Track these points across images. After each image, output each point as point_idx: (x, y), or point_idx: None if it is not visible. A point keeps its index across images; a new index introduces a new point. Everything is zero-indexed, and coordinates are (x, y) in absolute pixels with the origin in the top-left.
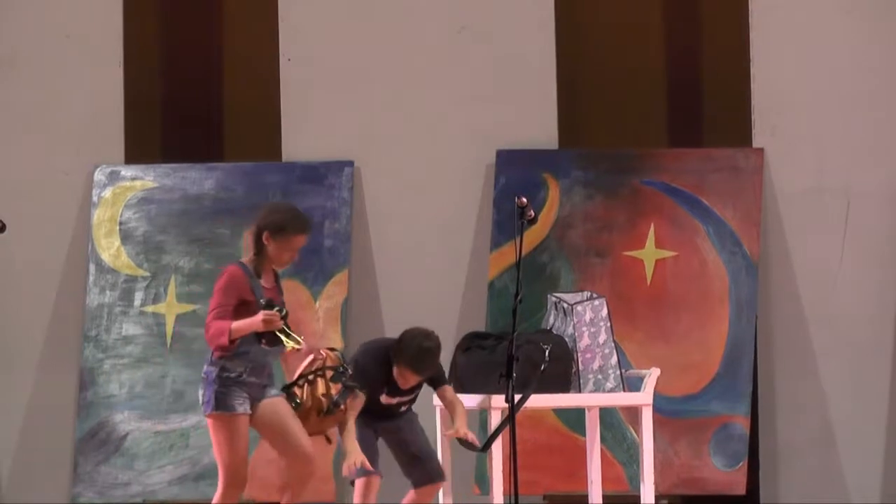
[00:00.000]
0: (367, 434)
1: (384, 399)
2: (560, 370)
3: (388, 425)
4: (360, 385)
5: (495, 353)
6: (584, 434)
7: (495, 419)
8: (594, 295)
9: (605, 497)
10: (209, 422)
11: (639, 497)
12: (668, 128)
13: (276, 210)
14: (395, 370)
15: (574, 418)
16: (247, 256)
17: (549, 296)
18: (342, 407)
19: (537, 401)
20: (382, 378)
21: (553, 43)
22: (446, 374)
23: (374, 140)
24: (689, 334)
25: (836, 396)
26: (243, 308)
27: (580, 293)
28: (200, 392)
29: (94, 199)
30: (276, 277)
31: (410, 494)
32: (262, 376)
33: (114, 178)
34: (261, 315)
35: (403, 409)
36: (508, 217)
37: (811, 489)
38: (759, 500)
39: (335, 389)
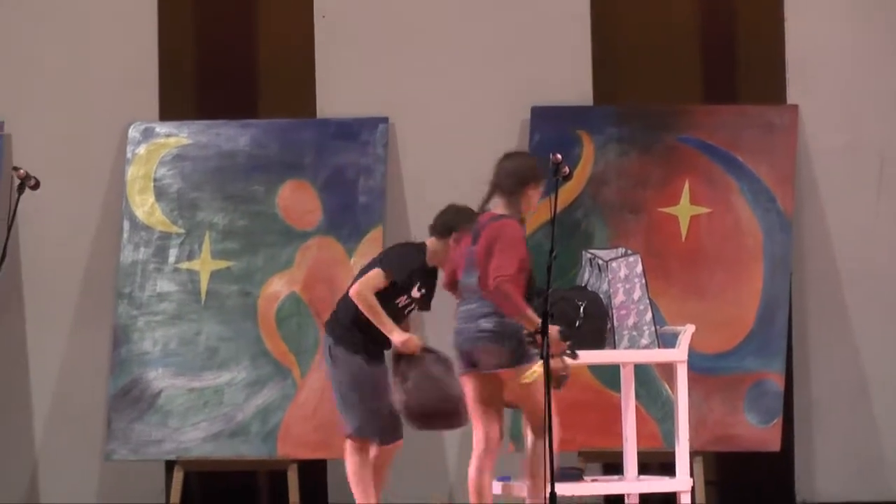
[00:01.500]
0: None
1: (414, 293)
2: (595, 327)
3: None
4: (399, 274)
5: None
6: (618, 391)
7: None
8: (629, 251)
9: (639, 453)
10: (513, 374)
11: (673, 453)
12: (703, 84)
13: (523, 159)
14: (447, 250)
15: (609, 375)
16: (499, 211)
17: (583, 252)
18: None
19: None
20: (418, 269)
21: None
22: None
23: (409, 96)
24: (723, 291)
25: (870, 353)
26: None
27: (615, 249)
28: (499, 348)
29: (129, 155)
30: None
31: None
32: None
33: (148, 134)
34: (559, 341)
35: (408, 311)
36: (543, 174)
37: (845, 446)
38: (794, 457)
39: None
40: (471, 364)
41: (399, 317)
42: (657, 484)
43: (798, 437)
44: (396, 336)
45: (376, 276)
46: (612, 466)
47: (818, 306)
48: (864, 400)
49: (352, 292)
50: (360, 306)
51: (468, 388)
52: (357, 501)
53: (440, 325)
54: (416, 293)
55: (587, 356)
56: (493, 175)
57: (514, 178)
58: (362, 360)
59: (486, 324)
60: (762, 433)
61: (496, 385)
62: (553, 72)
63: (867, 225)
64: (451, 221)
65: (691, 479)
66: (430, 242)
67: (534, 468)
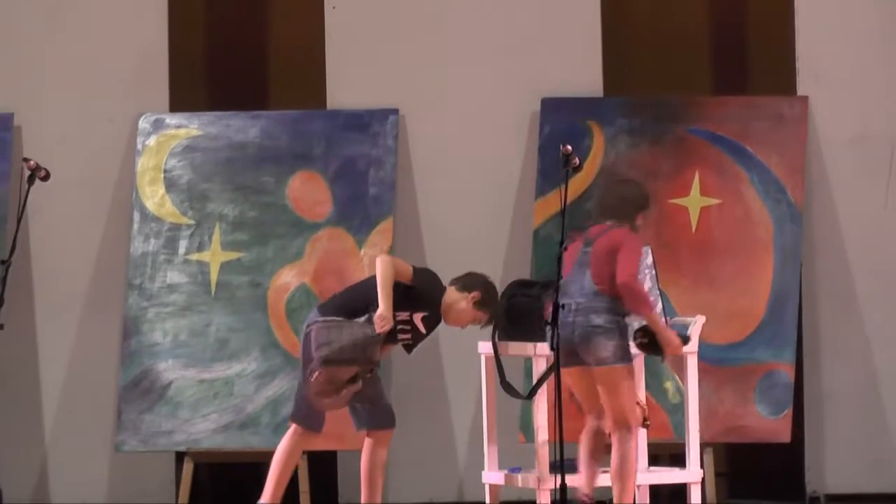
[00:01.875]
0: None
1: (415, 318)
2: None
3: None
4: (421, 281)
5: (541, 301)
6: None
7: (540, 367)
8: None
9: (649, 444)
10: (620, 371)
11: (683, 444)
12: (713, 75)
13: (636, 188)
14: (461, 304)
15: None
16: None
17: None
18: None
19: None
20: (433, 301)
21: None
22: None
23: (419, 88)
24: (733, 282)
25: (880, 344)
26: None
27: None
28: (609, 343)
29: (139, 147)
30: None
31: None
32: None
33: (158, 126)
34: (679, 347)
35: (399, 334)
36: (553, 165)
37: (856, 437)
38: (804, 449)
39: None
40: (578, 358)
41: (390, 333)
42: (668, 475)
43: (808, 429)
44: (384, 307)
45: (406, 266)
46: None
47: (828, 297)
48: (875, 391)
49: (380, 257)
50: (378, 268)
51: (569, 381)
52: (268, 488)
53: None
54: (417, 320)
55: None
56: (601, 197)
57: (628, 205)
58: None
59: (597, 319)
60: (772, 424)
61: (591, 380)
62: (563, 63)
63: (877, 216)
64: (476, 284)
65: (702, 471)
66: (450, 291)
67: (623, 470)
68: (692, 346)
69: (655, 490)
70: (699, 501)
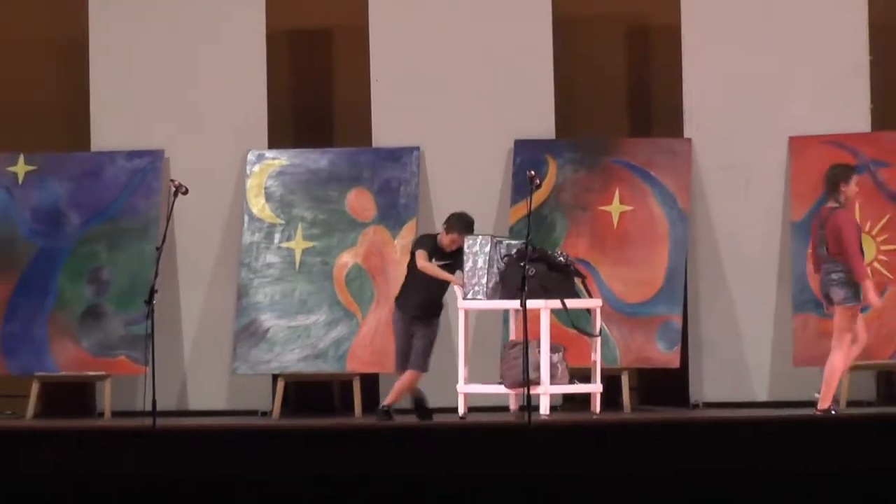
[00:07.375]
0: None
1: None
2: (562, 279)
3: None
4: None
5: (533, 270)
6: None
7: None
8: (502, 238)
9: (575, 368)
10: (848, 311)
11: (612, 368)
12: (629, 122)
13: (833, 168)
14: (445, 239)
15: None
16: (832, 204)
17: (490, 237)
18: None
19: (537, 304)
20: (433, 248)
21: (551, 65)
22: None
23: (434, 132)
24: (642, 261)
25: (740, 304)
26: None
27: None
28: (840, 291)
29: (247, 172)
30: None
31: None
32: None
33: (260, 158)
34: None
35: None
36: (522, 184)
37: (722, 364)
38: (689, 373)
39: None
40: (829, 301)
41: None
42: (581, 388)
43: (692, 359)
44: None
45: (420, 255)
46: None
47: (705, 273)
48: (736, 334)
49: (419, 266)
50: (427, 272)
51: (836, 317)
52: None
53: None
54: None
55: (554, 304)
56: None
57: (830, 181)
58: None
59: (835, 276)
60: (667, 356)
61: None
62: (529, 115)
63: (737, 219)
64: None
65: (601, 385)
66: (441, 234)
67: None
68: (596, 304)
69: (571, 397)
70: (599, 408)
